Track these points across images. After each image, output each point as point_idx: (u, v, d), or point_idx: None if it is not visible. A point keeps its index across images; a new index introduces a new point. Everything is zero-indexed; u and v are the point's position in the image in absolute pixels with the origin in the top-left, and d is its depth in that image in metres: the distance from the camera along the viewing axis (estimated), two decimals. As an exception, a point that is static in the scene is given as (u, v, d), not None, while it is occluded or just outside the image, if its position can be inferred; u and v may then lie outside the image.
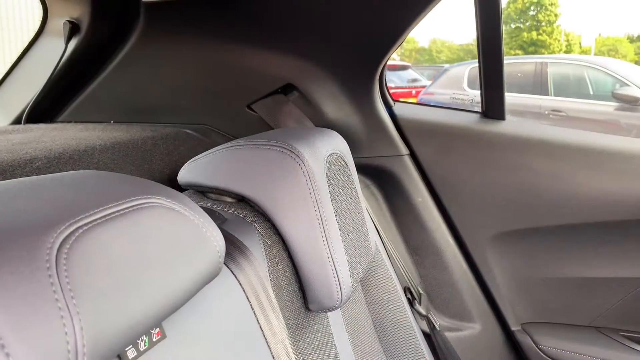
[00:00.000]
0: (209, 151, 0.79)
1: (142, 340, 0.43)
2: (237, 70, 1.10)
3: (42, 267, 0.33)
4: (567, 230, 1.14)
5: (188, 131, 1.13)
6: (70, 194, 0.41)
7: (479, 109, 1.22)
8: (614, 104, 4.81)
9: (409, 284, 1.16)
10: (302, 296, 0.75)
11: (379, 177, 1.24)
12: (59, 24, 1.09)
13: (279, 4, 0.98)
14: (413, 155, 1.20)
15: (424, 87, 6.99)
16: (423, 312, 1.12)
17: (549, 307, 1.20)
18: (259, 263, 0.65)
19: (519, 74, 5.50)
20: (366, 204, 1.15)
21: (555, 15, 20.85)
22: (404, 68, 7.90)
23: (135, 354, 0.42)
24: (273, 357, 0.60)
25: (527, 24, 21.21)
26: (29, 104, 1.13)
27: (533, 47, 20.54)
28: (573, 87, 5.37)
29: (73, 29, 1.06)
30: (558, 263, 1.17)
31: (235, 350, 0.55)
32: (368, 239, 0.87)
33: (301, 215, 0.72)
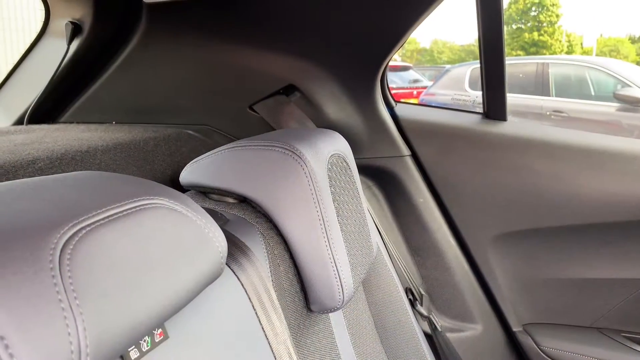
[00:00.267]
0: (211, 152, 0.80)
1: (144, 341, 0.43)
2: (238, 71, 1.10)
3: (46, 268, 0.33)
4: (568, 231, 1.14)
5: (190, 132, 1.13)
6: (73, 194, 0.41)
7: (481, 110, 1.22)
8: (616, 104, 4.81)
9: (411, 285, 1.16)
10: (304, 297, 0.76)
11: (380, 178, 1.24)
12: (61, 24, 1.09)
13: (281, 4, 0.98)
14: (414, 156, 1.20)
15: (425, 87, 6.99)
16: (425, 312, 1.12)
17: (551, 308, 1.20)
18: (260, 264, 0.65)
19: (521, 75, 5.50)
20: (368, 205, 1.16)
21: (557, 15, 20.84)
22: (405, 69, 7.90)
23: (138, 354, 0.42)
24: (275, 358, 0.60)
25: (529, 24, 21.21)
26: (31, 104, 1.14)
27: (534, 47, 20.54)
28: (574, 88, 5.36)
29: (75, 29, 1.06)
30: (559, 264, 1.17)
31: (237, 350, 0.55)
32: (370, 240, 0.87)
33: (303, 216, 0.72)
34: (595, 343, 1.15)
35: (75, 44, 1.08)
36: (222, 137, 1.19)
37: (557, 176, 1.11)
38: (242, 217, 0.73)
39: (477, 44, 1.14)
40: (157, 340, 0.45)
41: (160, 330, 0.45)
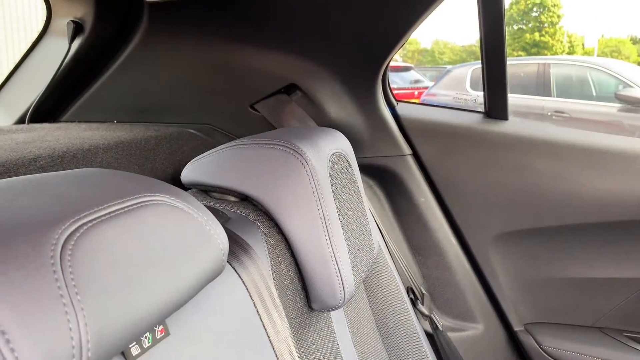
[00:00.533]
0: (212, 150, 0.80)
1: (145, 338, 0.43)
2: (240, 70, 1.10)
3: (47, 264, 0.33)
4: (570, 230, 1.13)
5: (191, 131, 1.13)
6: (75, 191, 0.41)
7: (482, 109, 1.22)
8: (617, 105, 4.80)
9: (412, 284, 1.16)
10: (305, 295, 0.75)
11: (381, 177, 1.24)
12: (62, 23, 1.09)
13: (282, 4, 0.98)
14: (416, 155, 1.20)
15: (426, 88, 6.99)
16: (426, 312, 1.12)
17: (552, 308, 1.20)
18: (262, 262, 0.65)
19: (522, 75, 5.50)
20: (369, 204, 1.15)
21: (558, 16, 20.83)
22: (406, 69, 7.90)
23: (139, 351, 0.42)
24: (276, 356, 0.60)
25: (530, 25, 21.19)
26: (32, 103, 1.14)
27: (536, 48, 20.53)
28: (576, 88, 5.36)
29: (77, 28, 1.07)
30: (561, 263, 1.17)
31: (238, 348, 0.55)
32: (371, 238, 0.87)
33: (304, 214, 0.72)
34: (597, 343, 1.15)
35: (76, 43, 1.08)
36: (223, 136, 1.19)
37: (559, 175, 1.11)
38: (244, 215, 0.73)
39: (478, 44, 1.14)
40: (158, 337, 0.45)
41: (161, 326, 0.45)
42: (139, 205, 0.42)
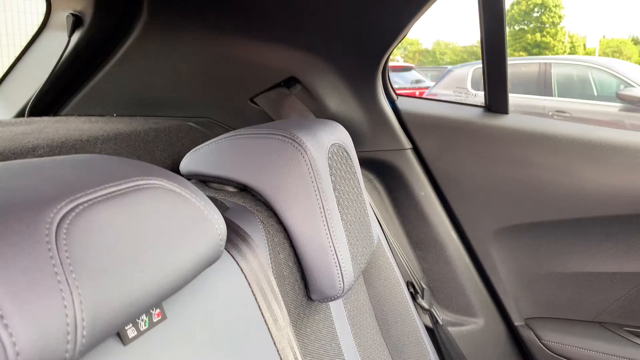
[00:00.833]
0: (211, 140, 0.79)
1: (142, 320, 0.43)
2: (240, 63, 1.10)
3: (42, 242, 0.33)
4: (571, 224, 1.13)
5: (191, 124, 1.13)
6: (72, 173, 0.41)
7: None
8: (619, 104, 4.80)
9: (412, 279, 1.15)
10: (304, 285, 0.75)
11: (381, 171, 1.23)
12: (62, 17, 1.09)
13: None
14: (416, 149, 1.20)
15: (427, 88, 6.99)
16: (426, 306, 1.11)
17: (553, 302, 1.19)
18: (260, 251, 0.65)
19: (523, 75, 5.49)
20: (369, 198, 1.15)
21: (560, 17, 20.82)
22: (407, 69, 7.90)
23: (135, 333, 0.42)
24: (274, 344, 0.60)
25: (531, 25, 21.18)
26: (31, 97, 1.14)
27: (537, 48, 20.52)
28: (577, 88, 5.35)
29: (76, 22, 1.06)
30: (562, 258, 1.16)
31: (236, 335, 0.54)
32: (370, 230, 0.87)
33: (303, 203, 0.71)
34: (598, 337, 1.15)
35: (76, 36, 1.08)
36: (223, 130, 1.19)
37: (559, 169, 1.10)
38: (242, 204, 0.73)
39: (479, 45, 1.13)
40: (155, 320, 0.44)
41: (158, 310, 0.45)
42: (136, 187, 0.42)
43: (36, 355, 0.30)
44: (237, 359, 0.53)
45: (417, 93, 7.23)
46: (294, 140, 0.72)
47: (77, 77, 1.15)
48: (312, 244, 0.72)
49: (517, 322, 1.22)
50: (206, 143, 0.80)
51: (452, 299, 1.22)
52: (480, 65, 1.15)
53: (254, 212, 0.72)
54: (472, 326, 1.21)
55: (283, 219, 0.72)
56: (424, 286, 1.17)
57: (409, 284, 1.14)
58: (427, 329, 1.12)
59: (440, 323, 1.14)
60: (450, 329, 1.18)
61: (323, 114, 1.13)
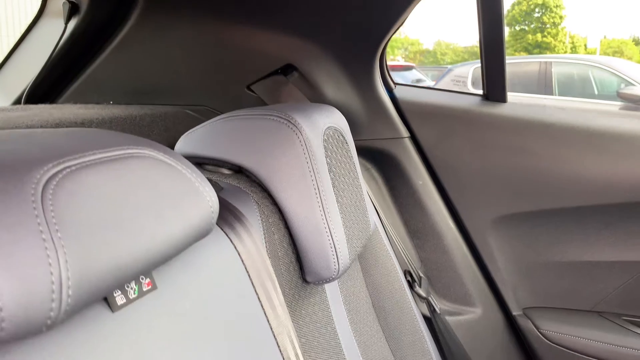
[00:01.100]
0: (206, 122, 0.79)
1: (131, 289, 0.43)
2: (236, 50, 1.10)
3: (28, 200, 0.32)
4: (569, 213, 1.13)
5: (187, 111, 1.13)
6: (62, 140, 0.41)
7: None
8: (619, 103, 4.79)
9: (409, 267, 1.15)
10: (299, 268, 0.75)
11: (379, 160, 1.23)
12: (58, 4, 1.09)
13: None
14: (414, 137, 1.19)
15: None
16: (423, 294, 1.11)
17: (551, 292, 1.19)
18: (255, 231, 0.65)
19: (523, 73, 5.48)
20: (366, 187, 1.15)
21: (560, 17, 20.82)
22: (408, 68, 7.90)
23: (125, 300, 0.42)
24: (268, 321, 0.60)
25: (532, 26, 21.17)
26: (27, 86, 1.13)
27: (538, 49, 20.50)
28: (578, 87, 5.35)
29: (72, 9, 1.06)
30: (560, 246, 1.16)
31: (228, 310, 0.54)
32: (366, 215, 0.86)
33: (298, 184, 0.71)
34: (596, 326, 1.14)
35: (72, 24, 1.08)
36: None
37: (558, 157, 1.10)
38: (237, 185, 0.72)
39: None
40: (145, 289, 0.44)
41: (148, 280, 0.45)
42: (126, 155, 0.42)
43: (20, 311, 0.30)
44: (229, 334, 0.53)
45: (418, 92, 7.20)
46: (289, 121, 0.72)
47: (73, 65, 1.14)
48: (306, 224, 0.71)
49: (515, 312, 1.21)
50: (201, 125, 0.79)
51: (450, 288, 1.21)
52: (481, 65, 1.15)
53: (249, 192, 0.71)
54: (470, 315, 1.20)
55: (278, 200, 0.72)
56: (422, 275, 1.17)
57: (407, 273, 1.13)
58: (425, 317, 1.11)
59: (438, 312, 1.14)
60: (448, 318, 1.17)
61: (320, 101, 1.13)
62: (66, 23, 1.07)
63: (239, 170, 0.76)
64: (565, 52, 20.59)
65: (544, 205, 1.13)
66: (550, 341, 1.17)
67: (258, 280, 0.61)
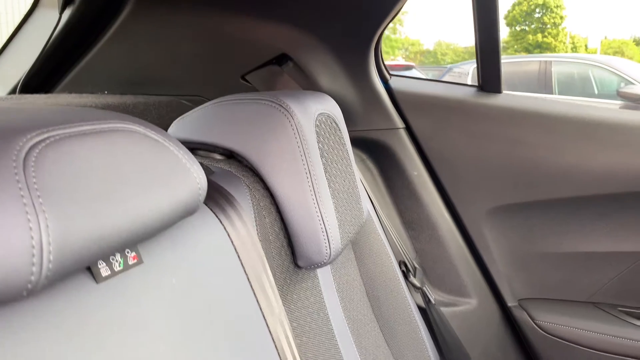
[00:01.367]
0: (198, 108, 0.79)
1: (116, 261, 0.43)
2: (231, 40, 1.09)
3: (9, 166, 0.32)
4: (564, 203, 1.13)
5: (182, 101, 1.13)
6: (48, 114, 0.41)
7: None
8: (619, 102, 4.79)
9: (404, 258, 1.15)
10: (291, 253, 0.75)
11: (374, 151, 1.23)
12: None
13: None
14: (409, 128, 1.19)
15: (427, 86, 6.99)
16: (417, 284, 1.11)
17: (546, 283, 1.19)
18: (246, 214, 0.65)
19: (523, 72, 5.49)
20: (361, 177, 1.15)
21: (561, 17, 20.80)
22: (408, 68, 7.94)
23: (109, 272, 0.42)
24: (257, 300, 0.59)
25: (533, 26, 21.16)
26: (22, 77, 1.13)
27: (538, 49, 20.49)
28: (577, 86, 5.35)
29: None
30: (555, 237, 1.16)
31: (216, 288, 0.54)
32: (360, 202, 0.86)
33: (289, 168, 0.71)
34: (591, 317, 1.14)
35: (67, 13, 1.08)
36: None
37: (553, 148, 1.10)
38: (228, 170, 0.72)
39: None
40: (130, 263, 0.44)
41: (134, 253, 0.45)
42: (112, 129, 0.42)
43: None
44: (216, 312, 0.53)
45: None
46: (280, 105, 0.72)
47: (68, 55, 1.14)
48: (298, 208, 0.71)
49: (510, 303, 1.21)
50: (192, 110, 0.79)
51: (445, 279, 1.21)
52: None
53: (240, 177, 0.71)
54: (465, 306, 1.20)
55: (269, 184, 0.72)
56: (417, 266, 1.16)
57: (401, 263, 1.13)
58: (420, 308, 1.11)
59: (433, 302, 1.13)
60: (443, 309, 1.17)
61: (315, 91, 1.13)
62: (60, 13, 1.07)
63: (230, 156, 0.76)
64: (566, 52, 20.58)
65: (539, 196, 1.13)
66: (545, 332, 1.16)
67: (248, 262, 0.61)
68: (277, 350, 0.60)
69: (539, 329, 1.17)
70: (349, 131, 0.93)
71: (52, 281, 0.34)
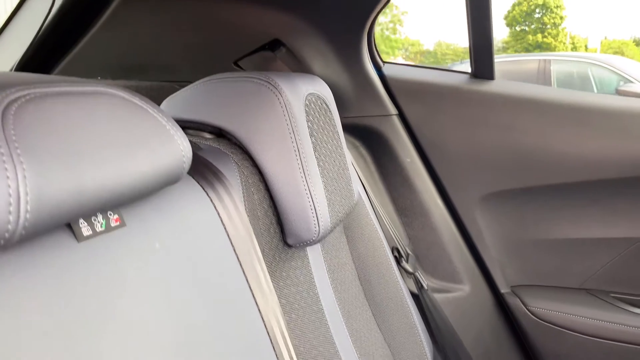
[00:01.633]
0: (187, 87, 0.79)
1: (98, 222, 0.43)
2: (223, 26, 1.09)
3: None
4: (556, 189, 1.13)
5: (174, 86, 1.13)
6: (32, 77, 0.41)
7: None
8: (618, 101, 4.77)
9: (397, 245, 1.15)
10: (280, 230, 0.75)
11: (367, 138, 1.23)
12: None
13: None
14: (402, 115, 1.20)
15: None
16: (410, 269, 1.11)
17: (539, 270, 1.19)
18: (234, 190, 0.65)
19: (522, 71, 5.48)
20: (354, 163, 1.15)
21: (561, 17, 20.81)
22: (407, 67, 7.91)
23: (91, 232, 0.42)
24: (244, 272, 0.60)
25: (532, 26, 21.16)
26: (14, 64, 1.13)
27: (538, 49, 20.48)
28: (577, 85, 5.34)
29: None
30: (547, 224, 1.16)
31: (200, 254, 0.54)
32: (350, 184, 0.87)
33: (278, 146, 0.71)
34: (584, 303, 1.14)
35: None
36: None
37: (545, 134, 1.10)
38: (217, 147, 0.73)
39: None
40: (112, 225, 0.44)
41: (116, 216, 0.45)
42: (95, 92, 0.42)
43: None
44: (200, 280, 0.53)
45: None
46: (270, 83, 0.72)
47: (61, 41, 1.14)
48: (286, 186, 0.72)
49: (503, 289, 1.21)
50: (183, 89, 0.80)
51: (438, 265, 1.21)
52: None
53: (229, 154, 0.72)
54: (458, 293, 1.20)
55: (258, 161, 0.72)
56: (409, 252, 1.17)
57: (394, 249, 1.14)
58: (413, 294, 1.11)
59: (425, 288, 1.14)
60: (436, 295, 1.17)
61: None
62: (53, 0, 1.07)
63: (220, 134, 0.76)
64: (566, 52, 20.58)
65: (531, 182, 1.13)
66: (538, 318, 1.17)
67: (236, 236, 0.61)
68: (263, 322, 0.60)
69: (531, 315, 1.17)
70: (342, 117, 0.93)
71: (32, 233, 0.34)
